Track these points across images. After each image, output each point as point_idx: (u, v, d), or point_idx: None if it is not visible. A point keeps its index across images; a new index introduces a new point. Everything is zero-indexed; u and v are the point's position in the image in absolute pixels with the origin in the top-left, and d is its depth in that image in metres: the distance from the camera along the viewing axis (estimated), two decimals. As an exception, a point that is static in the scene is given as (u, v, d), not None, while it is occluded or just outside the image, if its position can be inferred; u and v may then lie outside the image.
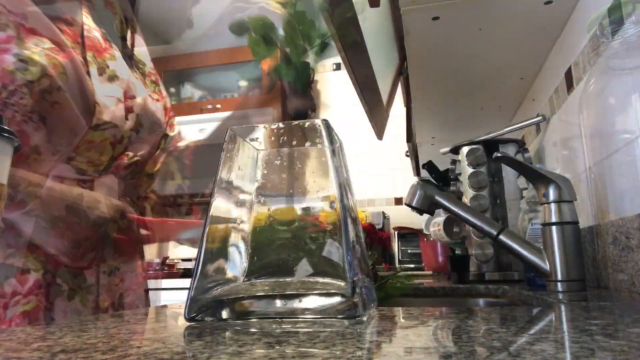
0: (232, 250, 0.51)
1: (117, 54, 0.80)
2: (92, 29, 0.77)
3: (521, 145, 1.24)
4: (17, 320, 0.57)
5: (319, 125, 0.51)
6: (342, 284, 0.45)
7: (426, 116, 1.64)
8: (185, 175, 0.93)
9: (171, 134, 0.92)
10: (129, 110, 0.76)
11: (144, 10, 0.90)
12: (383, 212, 2.89)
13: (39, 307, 0.59)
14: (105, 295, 0.68)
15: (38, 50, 0.64)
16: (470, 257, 1.20)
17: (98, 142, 0.71)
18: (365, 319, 0.44)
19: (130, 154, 0.78)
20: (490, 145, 1.23)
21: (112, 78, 0.76)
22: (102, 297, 0.68)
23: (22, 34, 0.64)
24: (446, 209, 0.86)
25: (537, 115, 1.23)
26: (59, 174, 0.69)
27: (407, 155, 2.66)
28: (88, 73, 0.70)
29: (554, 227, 0.73)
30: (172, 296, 2.45)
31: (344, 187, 0.50)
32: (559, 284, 0.72)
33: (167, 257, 2.96)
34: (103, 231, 0.70)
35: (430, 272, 1.94)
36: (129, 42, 0.86)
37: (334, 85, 3.31)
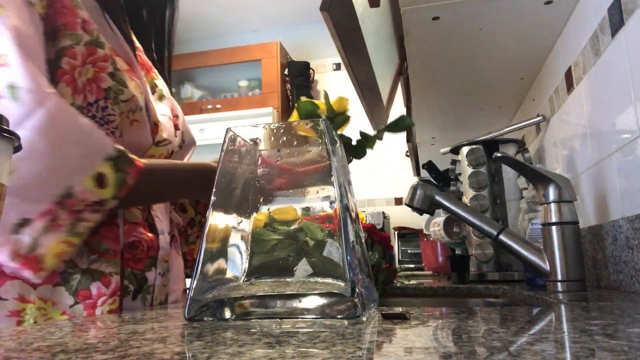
0: (232, 250, 0.51)
1: (157, 73, 0.83)
2: (138, 47, 0.81)
3: (521, 145, 1.24)
4: None
5: (319, 125, 0.51)
6: (342, 284, 0.45)
7: (426, 116, 1.64)
8: None
9: None
10: (176, 127, 0.81)
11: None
12: (383, 212, 2.89)
13: (118, 306, 0.66)
14: (157, 294, 0.73)
15: (126, 70, 0.69)
16: (470, 257, 1.20)
17: (157, 156, 0.76)
18: (365, 319, 0.44)
19: None
20: (490, 145, 1.23)
21: (161, 97, 0.80)
22: (155, 297, 0.72)
23: (113, 54, 0.68)
24: (446, 209, 0.86)
25: (537, 115, 1.23)
26: None
27: (407, 155, 2.66)
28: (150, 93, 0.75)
29: (553, 227, 0.73)
30: (172, 296, 2.44)
31: (344, 187, 0.50)
32: (559, 284, 0.72)
33: (167, 257, 2.95)
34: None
35: (430, 272, 1.94)
36: (165, 62, 0.90)
37: (334, 85, 3.31)
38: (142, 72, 0.76)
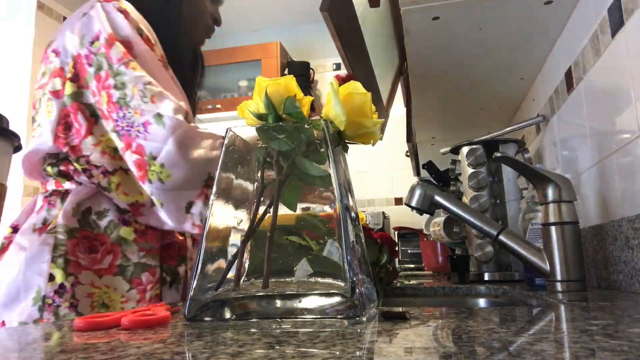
0: (232, 250, 0.51)
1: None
2: None
3: (521, 145, 1.24)
4: (153, 301, 0.82)
5: (319, 125, 0.51)
6: (342, 284, 0.45)
7: (426, 116, 1.64)
8: None
9: None
10: None
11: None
12: (383, 212, 2.89)
13: (159, 293, 0.84)
14: (185, 287, 0.90)
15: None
16: (470, 257, 1.20)
17: None
18: (365, 319, 0.44)
19: None
20: (490, 145, 1.23)
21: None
22: (184, 288, 0.90)
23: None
24: (446, 209, 0.86)
25: (537, 115, 1.23)
26: None
27: (407, 155, 2.66)
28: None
29: (553, 227, 0.73)
30: (172, 296, 2.44)
31: (344, 187, 0.50)
32: (559, 284, 0.72)
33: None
34: None
35: (430, 272, 1.94)
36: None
37: (334, 85, 3.31)
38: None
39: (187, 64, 1.01)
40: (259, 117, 0.53)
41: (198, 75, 1.14)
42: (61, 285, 0.75)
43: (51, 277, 0.76)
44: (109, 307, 0.79)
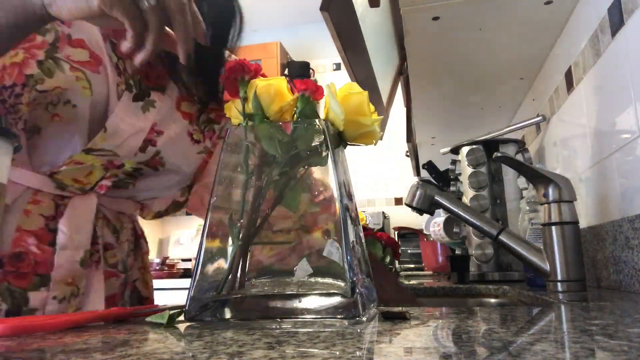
0: (232, 250, 0.51)
1: (172, 85, 0.74)
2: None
3: (521, 145, 1.24)
4: None
5: (319, 125, 0.51)
6: (342, 284, 0.45)
7: (426, 116, 1.64)
8: None
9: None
10: (150, 143, 0.72)
11: None
12: (383, 212, 2.89)
13: None
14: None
15: (79, 62, 0.63)
16: (470, 257, 1.20)
17: (88, 164, 0.67)
18: (365, 319, 0.44)
19: (122, 176, 0.73)
20: (490, 145, 1.23)
21: (148, 107, 0.70)
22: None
23: (59, 43, 0.62)
24: (446, 209, 0.86)
25: (537, 115, 1.23)
26: (37, 187, 0.66)
27: (407, 155, 2.66)
28: (119, 96, 0.67)
29: (553, 227, 0.73)
30: (172, 296, 2.45)
31: (344, 187, 0.50)
32: (559, 284, 0.72)
33: (167, 257, 2.96)
34: None
35: (430, 272, 1.94)
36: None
37: (334, 85, 3.31)
38: (137, 77, 0.69)
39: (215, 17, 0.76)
40: (248, 116, 0.53)
41: (236, 32, 0.88)
42: None
43: None
44: None
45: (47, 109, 0.63)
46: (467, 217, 0.82)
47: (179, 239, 3.29)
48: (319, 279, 0.47)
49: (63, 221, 0.66)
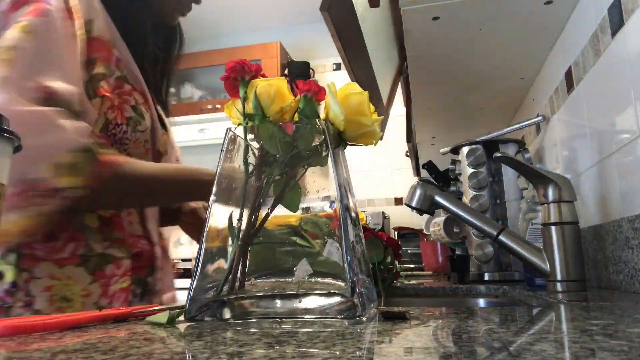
0: (232, 250, 0.51)
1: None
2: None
3: (521, 145, 1.24)
4: (118, 295, 0.76)
5: (319, 125, 0.51)
6: (342, 284, 0.45)
7: (426, 116, 1.64)
8: None
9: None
10: (176, 160, 0.95)
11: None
12: (383, 212, 2.89)
13: (131, 285, 0.78)
14: (155, 295, 0.86)
15: (141, 103, 0.80)
16: (470, 257, 1.20)
17: None
18: (365, 319, 0.44)
19: None
20: (490, 145, 1.23)
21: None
22: (154, 298, 0.86)
23: (133, 90, 0.80)
24: (446, 209, 0.86)
25: (537, 115, 1.23)
26: None
27: (407, 155, 2.66)
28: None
29: (553, 227, 0.73)
30: (172, 296, 2.44)
31: (344, 187, 0.50)
32: (559, 284, 0.72)
33: (167, 257, 2.95)
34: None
35: (430, 272, 1.94)
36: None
37: (334, 85, 3.31)
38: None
39: (147, 39, 0.88)
40: (248, 116, 0.53)
41: (173, 51, 1.00)
42: (13, 284, 0.69)
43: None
44: (70, 300, 0.71)
45: (144, 145, 0.81)
46: (467, 217, 0.82)
47: (179, 239, 3.29)
48: (319, 279, 0.48)
49: (147, 223, 0.84)
